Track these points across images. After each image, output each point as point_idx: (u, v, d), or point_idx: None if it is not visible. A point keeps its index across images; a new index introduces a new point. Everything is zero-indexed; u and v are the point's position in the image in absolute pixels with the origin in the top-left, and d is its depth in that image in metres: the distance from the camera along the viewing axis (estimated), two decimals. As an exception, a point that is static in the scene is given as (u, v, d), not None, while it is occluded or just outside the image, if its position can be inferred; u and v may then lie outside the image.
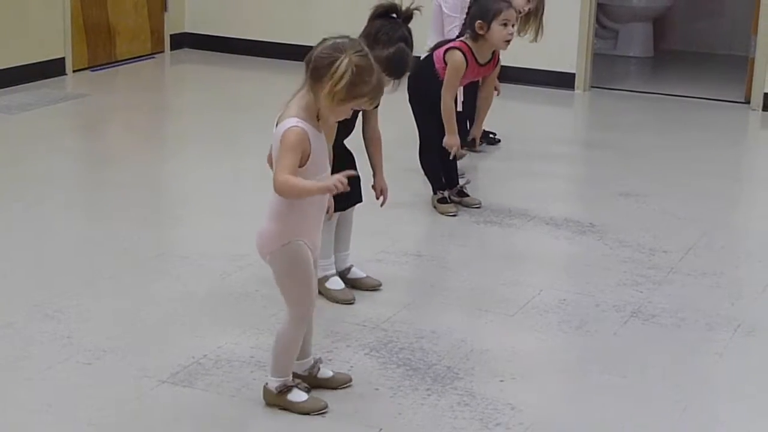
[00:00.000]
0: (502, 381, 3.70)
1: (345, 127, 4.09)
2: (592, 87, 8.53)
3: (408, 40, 4.16)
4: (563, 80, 8.43)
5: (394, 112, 6.67)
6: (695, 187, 6.12)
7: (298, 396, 3.44)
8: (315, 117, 3.27)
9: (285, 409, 3.43)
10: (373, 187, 4.38)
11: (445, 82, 5.27)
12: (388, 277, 4.54)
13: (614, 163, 6.58)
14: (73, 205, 5.69)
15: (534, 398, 3.60)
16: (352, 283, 4.41)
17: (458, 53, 5.26)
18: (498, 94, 6.13)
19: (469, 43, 5.28)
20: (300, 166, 3.22)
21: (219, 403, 3.49)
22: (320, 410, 3.44)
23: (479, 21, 5.20)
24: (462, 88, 5.61)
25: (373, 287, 4.45)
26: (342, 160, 4.05)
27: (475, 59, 5.29)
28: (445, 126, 5.31)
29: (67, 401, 3.47)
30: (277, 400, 3.44)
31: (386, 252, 4.88)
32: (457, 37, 5.54)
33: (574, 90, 8.43)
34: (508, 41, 5.24)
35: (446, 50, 5.31)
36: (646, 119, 7.92)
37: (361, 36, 4.06)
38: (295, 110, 3.26)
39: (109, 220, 5.32)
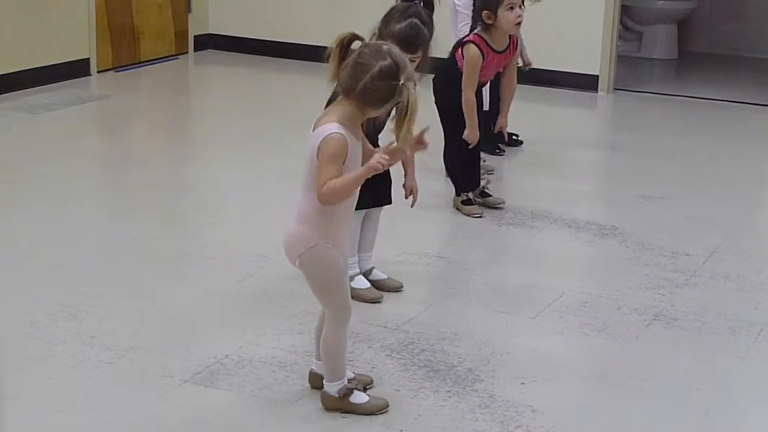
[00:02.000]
0: (523, 383, 3.70)
1: (375, 127, 4.09)
2: (616, 89, 8.51)
3: (422, 18, 4.19)
4: (587, 82, 8.41)
5: (429, 110, 6.68)
6: (719, 189, 6.09)
7: (360, 398, 3.45)
8: (357, 126, 3.27)
9: (348, 412, 3.43)
10: (404, 186, 4.39)
11: (464, 76, 5.28)
12: (409, 279, 4.54)
13: (637, 165, 6.56)
14: (97, 205, 5.72)
15: (555, 401, 3.59)
16: (374, 285, 4.42)
17: (473, 46, 5.27)
18: (528, 67, 6.14)
19: (482, 34, 5.28)
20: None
21: (240, 404, 3.50)
22: (383, 409, 3.45)
23: (486, 11, 5.21)
24: (488, 86, 5.60)
25: (395, 289, 4.45)
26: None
27: (491, 48, 5.28)
28: (466, 120, 5.31)
29: (89, 401, 3.49)
30: (339, 404, 3.44)
31: (408, 253, 4.89)
32: (470, 32, 5.54)
33: (597, 92, 8.41)
34: (519, 23, 5.24)
35: (462, 46, 5.33)
36: (670, 121, 7.89)
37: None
38: (338, 116, 3.23)
39: (132, 221, 5.35)
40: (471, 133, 5.33)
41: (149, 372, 3.68)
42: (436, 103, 5.50)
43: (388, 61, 3.17)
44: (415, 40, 4.13)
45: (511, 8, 5.17)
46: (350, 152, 3.23)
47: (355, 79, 3.19)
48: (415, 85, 3.17)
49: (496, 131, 5.64)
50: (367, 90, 3.18)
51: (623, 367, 3.87)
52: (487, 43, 5.27)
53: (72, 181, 5.85)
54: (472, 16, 5.51)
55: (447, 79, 5.34)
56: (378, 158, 3.17)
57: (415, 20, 4.15)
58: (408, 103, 3.12)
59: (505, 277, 4.70)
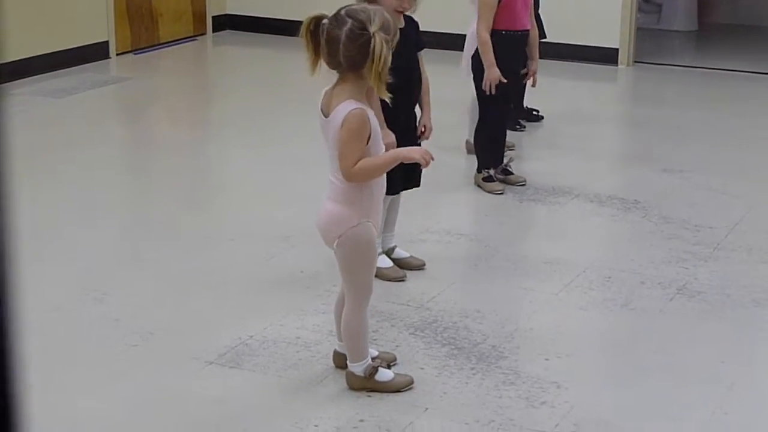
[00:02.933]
0: (547, 360, 3.70)
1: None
2: (636, 62, 8.48)
3: None
4: (607, 55, 8.37)
5: (445, 90, 6.67)
6: (741, 162, 6.07)
7: (385, 375, 3.47)
8: (364, 96, 3.27)
9: (374, 390, 3.44)
10: (419, 123, 4.40)
11: (478, 17, 5.26)
12: (431, 257, 4.55)
13: (658, 139, 6.54)
14: (119, 188, 5.74)
15: (579, 377, 3.59)
16: (397, 263, 4.42)
17: None
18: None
19: None
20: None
21: (266, 383, 3.51)
22: (408, 386, 3.47)
23: None
24: (511, 56, 5.53)
25: (418, 267, 4.46)
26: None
27: None
28: (483, 61, 5.28)
29: (115, 383, 3.51)
30: (365, 383, 3.45)
31: (430, 231, 4.89)
32: None
33: (617, 65, 8.38)
34: None
35: None
36: (691, 94, 7.86)
37: None
38: (347, 94, 3.23)
39: (155, 204, 5.37)
40: (490, 73, 5.27)
41: (175, 354, 3.70)
42: (474, 78, 5.49)
43: (349, 23, 3.17)
44: None
45: None
46: (372, 124, 3.24)
47: (334, 55, 3.20)
48: (388, 32, 3.17)
49: (524, 72, 5.61)
50: (348, 59, 3.18)
51: (647, 341, 3.87)
52: None
53: (93, 165, 5.87)
54: None
55: (477, 51, 5.38)
56: (422, 153, 3.23)
57: None
58: (374, 50, 3.12)
59: (528, 254, 4.69)
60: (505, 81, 5.26)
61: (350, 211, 3.28)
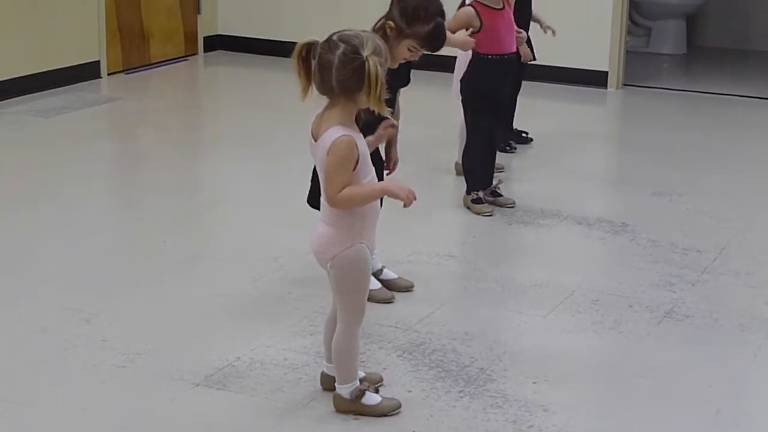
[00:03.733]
0: (535, 383, 3.70)
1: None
2: (625, 85, 8.50)
3: (444, 14, 4.21)
4: (596, 78, 8.40)
5: (431, 111, 6.71)
6: (729, 186, 6.08)
7: (372, 399, 3.45)
8: (354, 121, 3.26)
9: (360, 414, 3.43)
10: (387, 156, 4.35)
11: (453, 20, 5.30)
12: (420, 278, 4.55)
13: (647, 161, 6.56)
14: (108, 207, 5.74)
15: (567, 400, 3.59)
16: (385, 285, 4.42)
17: (468, 7, 5.36)
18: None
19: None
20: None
21: (253, 406, 3.50)
22: (395, 410, 3.46)
23: None
24: (499, 80, 5.56)
25: (406, 288, 4.46)
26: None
27: (489, 7, 5.32)
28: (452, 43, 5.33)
29: (101, 404, 3.50)
30: (351, 406, 3.44)
31: (418, 253, 4.89)
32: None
33: (606, 88, 8.40)
34: None
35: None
36: (680, 117, 7.89)
37: (393, 14, 4.10)
38: (336, 119, 3.23)
39: (143, 223, 5.36)
40: (465, 43, 5.28)
41: (162, 375, 3.69)
42: (462, 101, 5.53)
43: (341, 48, 3.18)
44: (443, 41, 4.20)
45: None
46: (360, 148, 3.24)
47: (326, 80, 3.21)
48: (381, 55, 3.18)
49: (526, 61, 6.02)
50: (341, 83, 3.19)
51: (635, 365, 3.88)
52: (482, 3, 5.31)
53: (83, 183, 5.86)
54: None
55: (469, 74, 5.41)
56: (407, 193, 3.23)
57: (440, 20, 4.17)
58: (369, 74, 3.13)
59: (516, 276, 4.70)
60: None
61: (342, 233, 3.28)
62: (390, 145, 4.31)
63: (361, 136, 3.29)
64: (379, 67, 3.15)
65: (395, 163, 4.34)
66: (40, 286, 4.46)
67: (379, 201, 3.37)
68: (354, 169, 3.22)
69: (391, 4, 4.20)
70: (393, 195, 3.28)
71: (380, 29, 4.13)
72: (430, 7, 4.15)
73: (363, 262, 3.32)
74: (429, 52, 4.19)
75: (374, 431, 3.37)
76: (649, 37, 10.14)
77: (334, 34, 3.25)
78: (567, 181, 6.11)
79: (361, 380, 3.49)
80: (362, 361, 3.74)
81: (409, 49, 4.12)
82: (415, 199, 3.27)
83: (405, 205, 3.27)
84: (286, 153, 6.41)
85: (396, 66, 4.09)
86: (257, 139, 6.89)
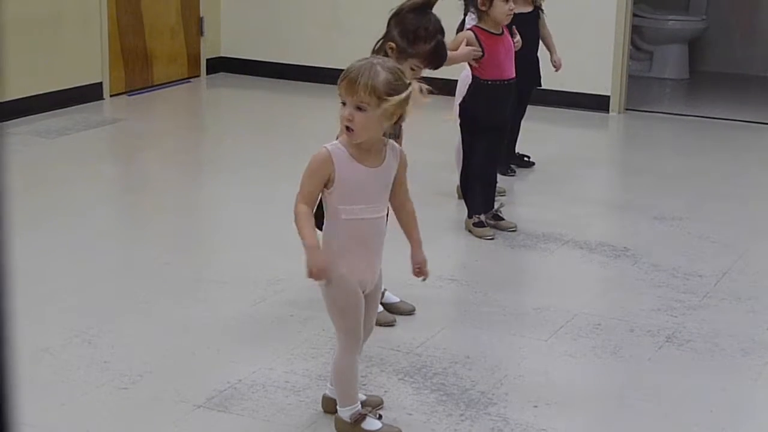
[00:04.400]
0: (536, 407, 3.70)
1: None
2: (627, 109, 8.53)
3: (443, 31, 4.23)
4: (598, 103, 8.43)
5: (436, 134, 6.72)
6: (731, 210, 6.09)
7: (372, 425, 3.44)
8: (358, 145, 3.25)
9: None
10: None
11: (452, 43, 5.32)
12: (421, 302, 4.55)
13: (649, 186, 6.57)
14: (109, 230, 5.75)
15: (568, 424, 3.59)
16: (386, 308, 4.43)
17: (468, 31, 5.41)
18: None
19: (479, 24, 5.39)
20: (325, 187, 3.24)
21: (254, 428, 3.50)
22: None
23: None
24: (498, 105, 5.56)
25: (408, 312, 4.46)
26: None
27: (488, 32, 5.35)
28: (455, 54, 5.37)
29: (103, 426, 3.50)
30: (352, 429, 3.43)
31: (420, 276, 4.89)
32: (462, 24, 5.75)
33: (609, 112, 8.43)
34: (510, 15, 5.38)
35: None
36: (682, 142, 7.90)
37: (393, 35, 4.12)
38: (341, 136, 3.28)
39: (145, 245, 5.37)
40: (468, 55, 5.32)
41: (163, 397, 3.69)
42: (460, 124, 5.57)
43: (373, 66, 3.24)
44: (442, 58, 4.23)
45: (506, 0, 5.26)
46: (340, 168, 3.22)
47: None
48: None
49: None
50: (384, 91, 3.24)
51: (636, 389, 3.87)
52: (482, 29, 5.34)
53: (85, 205, 5.88)
54: (465, 3, 5.62)
55: (468, 100, 5.44)
56: (313, 271, 3.21)
57: (441, 38, 4.20)
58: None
59: (518, 300, 4.70)
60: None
61: (325, 250, 3.29)
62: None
63: (362, 167, 3.25)
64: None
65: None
66: (41, 308, 4.46)
67: (365, 236, 3.32)
68: (327, 187, 3.23)
69: (389, 26, 4.21)
70: (307, 261, 3.23)
71: (380, 50, 4.15)
72: (429, 27, 4.18)
73: (340, 287, 3.29)
74: (432, 70, 4.21)
75: (375, 455, 3.37)
76: (652, 62, 10.17)
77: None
78: (569, 205, 6.12)
79: (362, 403, 3.49)
80: (363, 384, 3.74)
81: (411, 69, 4.14)
82: (318, 279, 3.24)
83: (308, 275, 3.24)
84: (288, 175, 6.40)
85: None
86: (259, 161, 6.90)
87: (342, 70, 3.29)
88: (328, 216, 3.33)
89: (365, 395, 3.61)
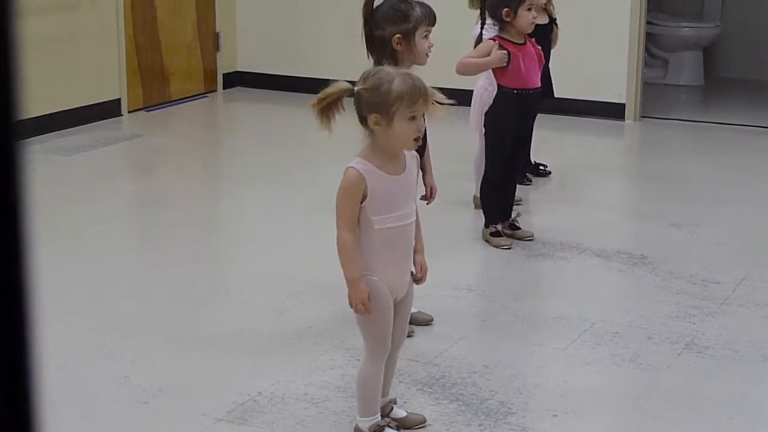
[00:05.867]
0: (555, 416, 3.70)
1: None
2: (643, 117, 8.52)
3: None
4: (613, 110, 8.42)
5: (454, 145, 6.73)
6: (748, 217, 6.08)
7: None
8: (382, 156, 3.29)
9: None
10: (424, 184, 4.37)
11: (475, 52, 5.35)
12: (439, 312, 4.56)
13: (666, 193, 6.56)
14: (128, 244, 5.78)
15: (587, 432, 3.60)
16: (405, 319, 4.44)
17: (490, 41, 5.39)
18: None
19: (501, 34, 5.38)
20: (360, 202, 3.27)
21: (274, 441, 3.52)
22: None
23: (506, 9, 5.27)
24: (523, 114, 5.57)
25: (425, 322, 4.48)
26: None
27: (512, 42, 5.36)
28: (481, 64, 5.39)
29: (124, 440, 3.52)
30: None
31: (437, 286, 4.89)
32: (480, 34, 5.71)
33: (624, 120, 8.42)
34: (533, 24, 5.40)
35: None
36: (698, 148, 7.90)
37: (385, 33, 4.16)
38: (362, 150, 3.30)
39: (164, 259, 5.40)
40: (500, 59, 5.31)
41: (183, 411, 3.71)
42: (485, 131, 5.58)
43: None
44: (432, 11, 4.29)
45: (529, 9, 5.28)
46: (373, 183, 3.25)
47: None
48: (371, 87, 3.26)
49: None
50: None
51: (655, 397, 3.88)
52: (506, 39, 5.35)
53: (104, 221, 5.91)
54: (481, 14, 5.56)
55: (494, 106, 5.46)
56: (358, 306, 3.25)
57: None
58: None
59: (535, 309, 4.71)
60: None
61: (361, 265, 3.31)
62: (425, 172, 4.35)
63: (391, 177, 3.29)
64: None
65: (433, 191, 4.38)
66: (60, 323, 4.49)
67: (399, 244, 3.36)
68: (362, 202, 3.25)
69: (376, 35, 4.21)
70: (350, 294, 3.27)
71: (386, 54, 4.15)
72: (400, 2, 4.22)
73: (373, 295, 3.31)
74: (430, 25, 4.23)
75: (395, 465, 3.38)
76: (666, 69, 10.16)
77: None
78: (585, 213, 6.12)
79: (401, 421, 3.50)
80: (404, 402, 3.71)
81: (425, 38, 4.18)
82: (365, 312, 3.27)
83: (355, 309, 3.28)
84: (305, 188, 6.45)
85: (425, 63, 4.13)
86: (276, 174, 6.93)
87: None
88: (359, 230, 3.34)
89: (406, 412, 3.60)
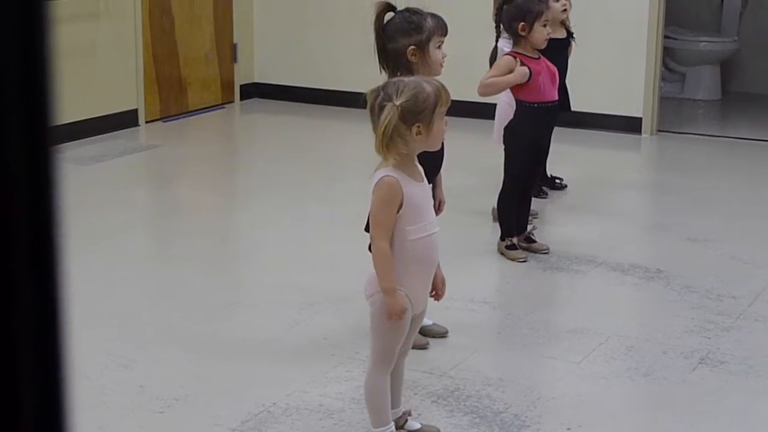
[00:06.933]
0: (569, 429, 3.70)
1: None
2: (660, 131, 8.51)
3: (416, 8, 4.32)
4: (630, 125, 8.41)
5: (474, 158, 6.74)
6: (764, 231, 6.07)
7: None
8: (406, 165, 3.30)
9: None
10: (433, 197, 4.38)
11: (495, 69, 5.37)
12: (454, 325, 4.57)
13: (682, 207, 6.56)
14: (145, 255, 5.80)
15: (601, 446, 3.60)
16: (420, 331, 4.43)
17: (509, 56, 5.40)
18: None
19: (516, 49, 5.39)
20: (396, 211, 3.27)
21: (288, 451, 3.53)
22: None
23: (522, 23, 5.28)
24: (542, 128, 5.57)
25: (440, 335, 4.48)
26: None
27: (526, 56, 5.36)
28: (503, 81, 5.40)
29: (139, 449, 3.54)
30: None
31: (452, 299, 4.89)
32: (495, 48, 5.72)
33: (641, 134, 8.41)
34: (547, 40, 5.39)
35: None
36: (715, 163, 7.89)
37: (399, 45, 4.16)
38: (392, 160, 3.28)
39: (180, 270, 5.42)
40: (522, 75, 5.31)
41: (199, 421, 3.72)
42: (504, 141, 5.58)
43: (381, 95, 3.28)
44: (443, 20, 4.29)
45: (545, 25, 5.30)
46: (407, 190, 3.26)
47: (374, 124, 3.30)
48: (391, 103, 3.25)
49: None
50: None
51: (670, 411, 3.87)
52: (522, 54, 5.36)
53: (121, 231, 5.94)
54: (496, 28, 5.57)
55: (514, 119, 5.48)
56: (393, 317, 3.27)
57: (419, 9, 4.28)
58: (383, 118, 3.22)
59: (550, 322, 4.71)
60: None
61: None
62: (435, 186, 4.35)
63: (420, 185, 3.32)
64: (391, 115, 3.20)
65: (441, 204, 4.39)
66: (77, 332, 4.50)
67: (430, 254, 3.38)
68: (398, 211, 3.26)
69: (389, 50, 4.22)
70: (389, 304, 3.28)
71: (405, 62, 4.17)
72: (411, 13, 4.24)
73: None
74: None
75: (409, 477, 3.39)
76: (684, 83, 10.16)
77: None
78: (601, 227, 6.12)
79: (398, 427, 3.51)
80: (419, 414, 3.72)
81: (439, 48, 4.20)
82: (398, 319, 3.29)
83: (388, 318, 3.30)
84: (322, 199, 6.46)
85: (440, 73, 4.16)
86: (293, 185, 6.95)
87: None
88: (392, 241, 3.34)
89: (420, 424, 3.61)
